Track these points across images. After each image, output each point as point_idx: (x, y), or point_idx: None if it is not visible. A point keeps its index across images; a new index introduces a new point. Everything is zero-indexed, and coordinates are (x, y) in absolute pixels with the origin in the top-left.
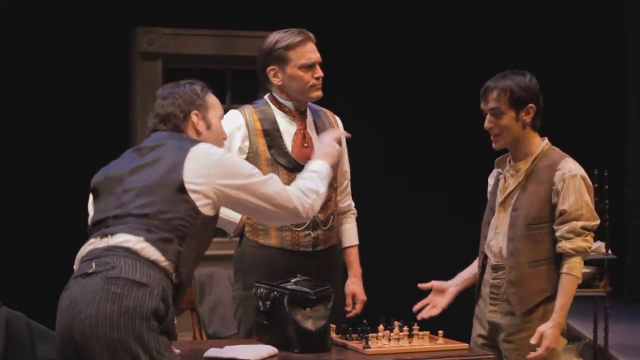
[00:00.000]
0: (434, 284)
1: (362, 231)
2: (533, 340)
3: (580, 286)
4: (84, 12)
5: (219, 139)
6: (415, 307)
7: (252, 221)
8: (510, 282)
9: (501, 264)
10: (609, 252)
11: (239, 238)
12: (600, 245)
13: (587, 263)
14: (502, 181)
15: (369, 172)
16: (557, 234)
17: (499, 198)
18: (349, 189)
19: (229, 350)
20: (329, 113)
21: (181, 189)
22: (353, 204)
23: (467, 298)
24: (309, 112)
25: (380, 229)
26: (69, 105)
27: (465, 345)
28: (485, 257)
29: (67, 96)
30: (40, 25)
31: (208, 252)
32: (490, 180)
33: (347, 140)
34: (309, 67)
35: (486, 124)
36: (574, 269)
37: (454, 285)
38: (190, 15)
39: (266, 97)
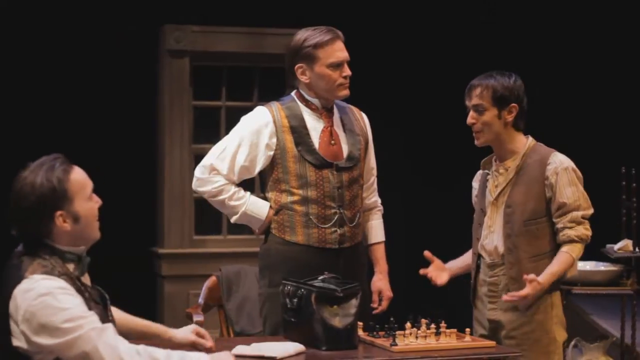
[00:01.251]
0: (436, 262)
1: (388, 228)
2: (525, 277)
3: (607, 284)
4: (111, 10)
5: (92, 225)
6: (422, 271)
7: (279, 217)
8: (512, 279)
9: (497, 261)
10: (637, 250)
11: (265, 235)
12: (627, 243)
13: (614, 261)
14: (491, 181)
15: (394, 168)
16: (559, 225)
17: (490, 197)
18: (375, 185)
19: (256, 348)
20: (355, 110)
21: (14, 352)
22: (379, 201)
23: (468, 300)
24: (335, 109)
25: (406, 226)
26: (97, 103)
27: (493, 343)
28: (479, 257)
29: (94, 93)
30: (68, 22)
31: (235, 249)
32: (475, 184)
33: (374, 136)
34: (337, 65)
35: (469, 120)
36: (574, 252)
37: (449, 269)
38: (217, 13)
39: (293, 94)
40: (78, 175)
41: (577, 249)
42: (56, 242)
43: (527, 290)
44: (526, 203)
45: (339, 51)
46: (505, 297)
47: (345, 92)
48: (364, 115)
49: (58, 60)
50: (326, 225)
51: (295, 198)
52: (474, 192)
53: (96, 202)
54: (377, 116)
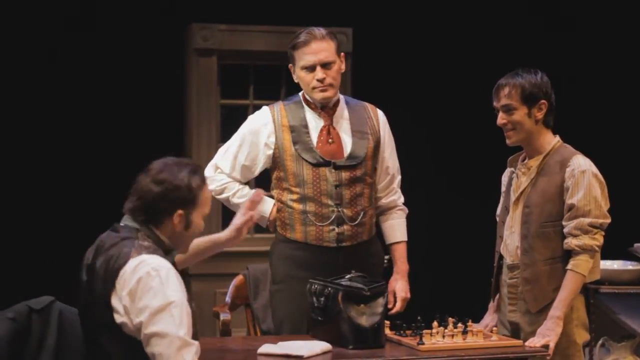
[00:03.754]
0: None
1: (415, 228)
2: (538, 343)
3: (634, 283)
4: (139, 8)
5: (192, 239)
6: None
7: (280, 215)
8: (526, 280)
9: (517, 262)
10: None
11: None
12: None
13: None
14: (514, 179)
15: (418, 168)
16: (565, 230)
17: (512, 196)
18: (393, 185)
19: (283, 347)
20: (369, 107)
21: (117, 329)
22: (401, 200)
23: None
24: (343, 107)
25: (434, 226)
26: (124, 101)
27: (520, 342)
28: (501, 257)
29: (122, 92)
30: (96, 21)
31: (263, 248)
32: (504, 179)
33: (399, 136)
34: (309, 68)
35: (499, 121)
36: (579, 267)
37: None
38: (245, 11)
39: (300, 93)
40: (208, 192)
41: (583, 262)
42: (158, 230)
43: (551, 344)
44: (544, 204)
45: (309, 54)
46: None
47: (322, 95)
48: (380, 113)
49: (86, 59)
50: (324, 223)
51: (294, 196)
52: (503, 188)
53: (202, 224)
54: (403, 116)
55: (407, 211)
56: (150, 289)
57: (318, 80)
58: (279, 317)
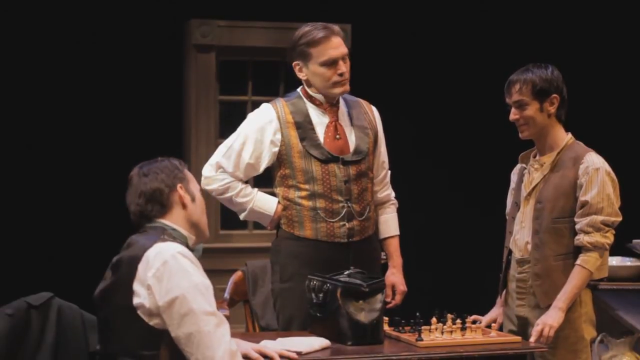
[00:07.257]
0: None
1: (417, 225)
2: (533, 338)
3: (633, 279)
4: (138, 4)
5: (203, 215)
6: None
7: (287, 213)
8: (536, 275)
9: (526, 257)
10: None
11: (276, 230)
12: None
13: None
14: (526, 175)
15: (417, 164)
16: (577, 226)
17: (524, 192)
18: (387, 179)
19: (281, 343)
20: (364, 103)
21: (132, 313)
22: (393, 194)
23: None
24: (342, 104)
25: (437, 223)
26: (123, 98)
27: (518, 338)
28: (510, 252)
29: (121, 88)
30: (95, 17)
31: (261, 244)
32: (514, 177)
33: (388, 131)
34: (331, 63)
35: (511, 116)
36: (588, 263)
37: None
38: (244, 7)
39: (299, 89)
40: (190, 174)
41: (592, 259)
42: (173, 221)
43: (551, 333)
44: (556, 200)
45: (332, 49)
46: (532, 339)
47: (342, 89)
48: (374, 109)
49: (84, 55)
50: (334, 220)
51: (303, 193)
52: (512, 185)
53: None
54: (402, 112)
55: (397, 205)
56: (179, 269)
57: (340, 74)
58: (288, 315)
